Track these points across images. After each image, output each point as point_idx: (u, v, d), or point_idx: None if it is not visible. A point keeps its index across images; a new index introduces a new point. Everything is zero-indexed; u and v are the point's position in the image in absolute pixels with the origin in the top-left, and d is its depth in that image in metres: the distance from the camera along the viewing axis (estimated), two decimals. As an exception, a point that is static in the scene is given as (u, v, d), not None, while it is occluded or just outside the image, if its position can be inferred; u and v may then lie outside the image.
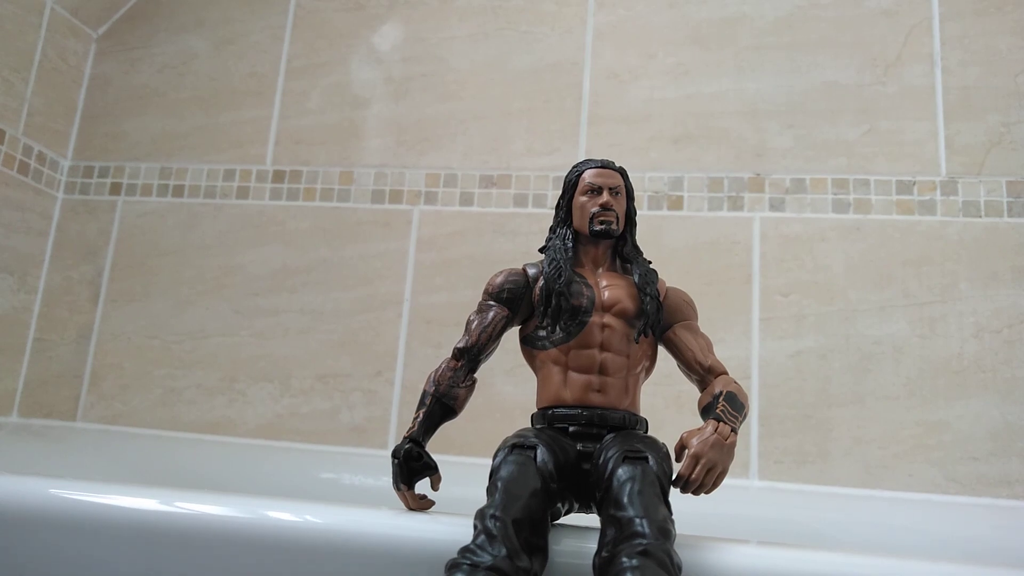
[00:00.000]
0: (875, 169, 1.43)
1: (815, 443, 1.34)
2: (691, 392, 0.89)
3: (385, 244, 1.53)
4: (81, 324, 1.59)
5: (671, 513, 0.71)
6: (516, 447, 0.76)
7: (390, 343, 1.49)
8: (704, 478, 0.74)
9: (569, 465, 0.77)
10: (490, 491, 0.72)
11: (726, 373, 0.86)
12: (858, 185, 1.43)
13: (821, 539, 1.19)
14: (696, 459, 0.74)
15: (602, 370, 0.83)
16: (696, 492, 0.75)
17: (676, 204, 1.46)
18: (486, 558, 0.65)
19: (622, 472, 0.72)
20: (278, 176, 1.60)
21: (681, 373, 0.89)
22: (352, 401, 1.48)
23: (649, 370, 0.89)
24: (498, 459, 0.75)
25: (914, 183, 1.41)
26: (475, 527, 0.68)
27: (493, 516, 0.68)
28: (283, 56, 1.66)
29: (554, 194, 1.48)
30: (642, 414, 0.84)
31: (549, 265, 0.87)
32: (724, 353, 1.31)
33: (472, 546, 0.66)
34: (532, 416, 0.86)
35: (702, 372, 0.86)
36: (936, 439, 1.31)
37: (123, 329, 1.58)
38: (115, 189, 1.65)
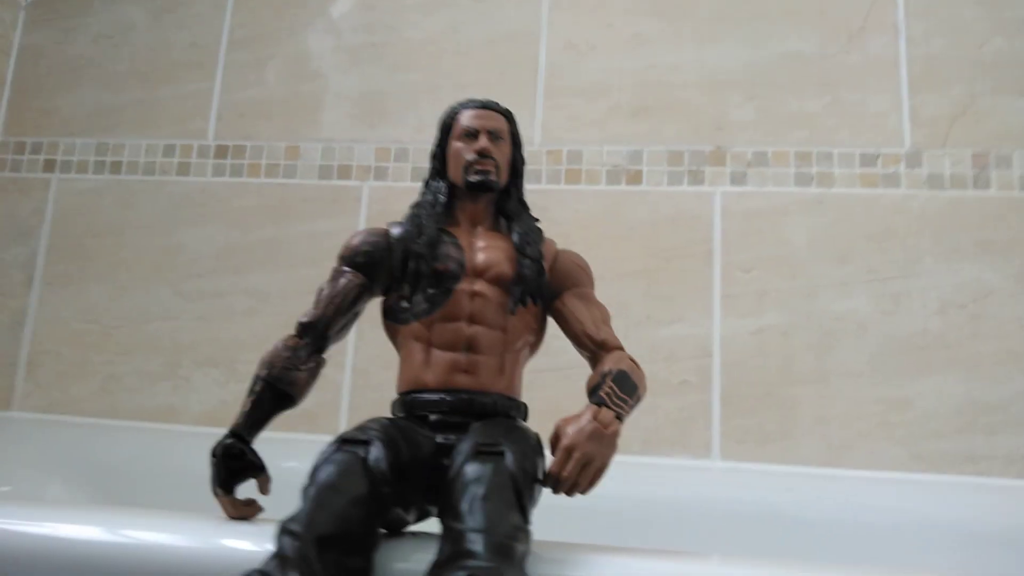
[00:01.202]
0: (838, 142, 1.40)
1: (778, 422, 1.31)
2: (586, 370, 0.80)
3: (333, 222, 1.48)
4: (15, 309, 1.53)
5: (527, 522, 0.61)
6: (345, 442, 0.64)
7: (341, 325, 1.44)
8: (579, 476, 0.64)
9: (419, 463, 0.66)
10: (304, 496, 0.61)
11: (621, 348, 0.76)
12: (821, 158, 1.39)
13: (784, 519, 1.16)
14: (568, 452, 0.64)
15: (471, 347, 0.73)
16: (569, 492, 0.65)
17: (635, 178, 1.42)
18: None
19: (470, 471, 0.61)
20: (221, 151, 1.54)
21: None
22: (300, 386, 1.42)
23: (535, 346, 0.79)
24: (320, 457, 0.64)
25: (878, 156, 1.38)
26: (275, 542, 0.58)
27: (292, 533, 0.57)
28: (226, 26, 1.59)
29: (510, 169, 1.44)
30: (524, 398, 0.75)
31: (410, 223, 0.77)
32: (685, 332, 1.28)
33: (260, 570, 0.55)
34: (392, 403, 0.76)
35: (593, 347, 0.76)
36: (900, 416, 1.28)
37: (60, 314, 1.52)
38: (49, 166, 1.58)
